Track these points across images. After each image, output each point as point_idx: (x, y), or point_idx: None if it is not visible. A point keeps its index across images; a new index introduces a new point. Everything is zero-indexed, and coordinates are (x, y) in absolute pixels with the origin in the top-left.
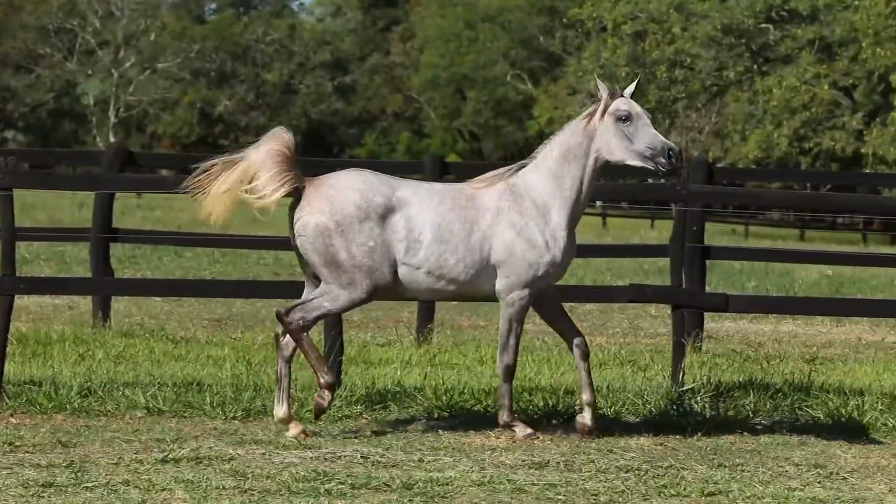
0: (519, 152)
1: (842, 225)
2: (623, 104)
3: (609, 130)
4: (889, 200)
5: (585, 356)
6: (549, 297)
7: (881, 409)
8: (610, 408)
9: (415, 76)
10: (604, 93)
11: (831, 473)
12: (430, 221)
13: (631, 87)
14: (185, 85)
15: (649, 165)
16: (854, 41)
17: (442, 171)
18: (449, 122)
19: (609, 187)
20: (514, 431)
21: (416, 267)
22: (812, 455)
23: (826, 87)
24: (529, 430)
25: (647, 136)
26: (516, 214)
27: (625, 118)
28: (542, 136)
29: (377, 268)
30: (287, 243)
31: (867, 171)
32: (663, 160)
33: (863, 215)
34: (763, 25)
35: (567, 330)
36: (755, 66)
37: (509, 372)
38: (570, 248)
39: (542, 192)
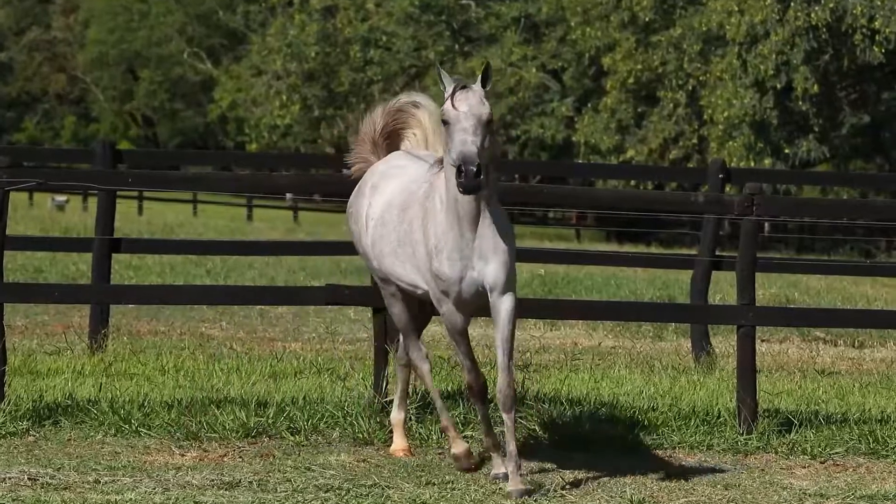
0: (200, 138)
1: (553, 220)
2: (448, 104)
3: (442, 133)
4: (603, 193)
5: (505, 407)
6: (496, 318)
7: (600, 420)
8: (307, 421)
9: (80, 54)
10: (447, 87)
11: (548, 490)
12: (380, 202)
13: (476, 84)
14: None
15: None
16: (562, 20)
17: (115, 160)
18: (119, 104)
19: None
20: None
21: (368, 252)
22: (527, 470)
23: (533, 69)
24: (522, 487)
25: (455, 142)
26: (424, 211)
27: (445, 121)
28: (224, 121)
29: (364, 253)
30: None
31: (579, 160)
32: (456, 177)
33: (576, 209)
34: (464, 2)
35: (498, 364)
36: (456, 47)
37: (472, 392)
38: (460, 256)
39: (442, 188)
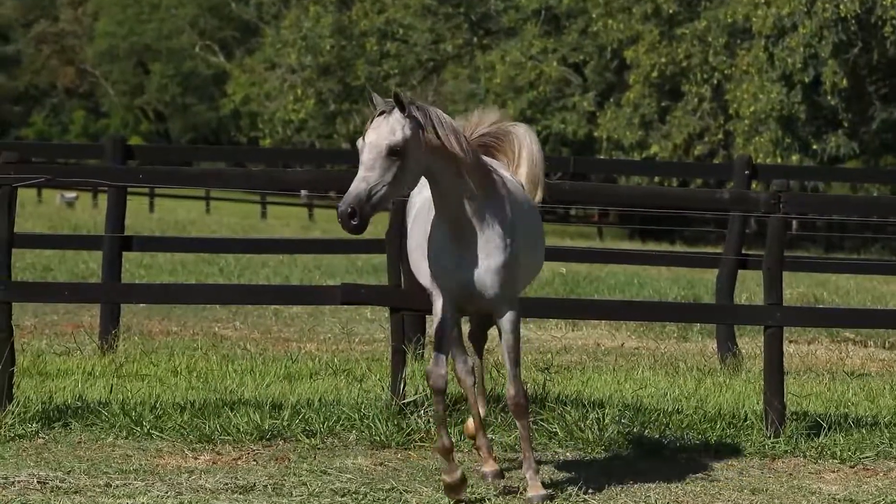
0: (213, 133)
1: (575, 217)
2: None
3: None
4: (627, 190)
5: (517, 415)
6: (497, 326)
7: (624, 423)
8: (323, 423)
9: (89, 47)
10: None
11: (570, 495)
12: (420, 199)
13: (395, 110)
14: None
15: None
16: (583, 12)
17: (125, 155)
18: (130, 99)
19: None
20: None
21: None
22: (548, 474)
23: (554, 63)
24: (542, 492)
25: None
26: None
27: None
28: (237, 116)
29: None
30: None
31: (601, 157)
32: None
33: (598, 206)
34: None
35: (506, 373)
36: (475, 39)
37: (427, 381)
38: (448, 253)
39: None
